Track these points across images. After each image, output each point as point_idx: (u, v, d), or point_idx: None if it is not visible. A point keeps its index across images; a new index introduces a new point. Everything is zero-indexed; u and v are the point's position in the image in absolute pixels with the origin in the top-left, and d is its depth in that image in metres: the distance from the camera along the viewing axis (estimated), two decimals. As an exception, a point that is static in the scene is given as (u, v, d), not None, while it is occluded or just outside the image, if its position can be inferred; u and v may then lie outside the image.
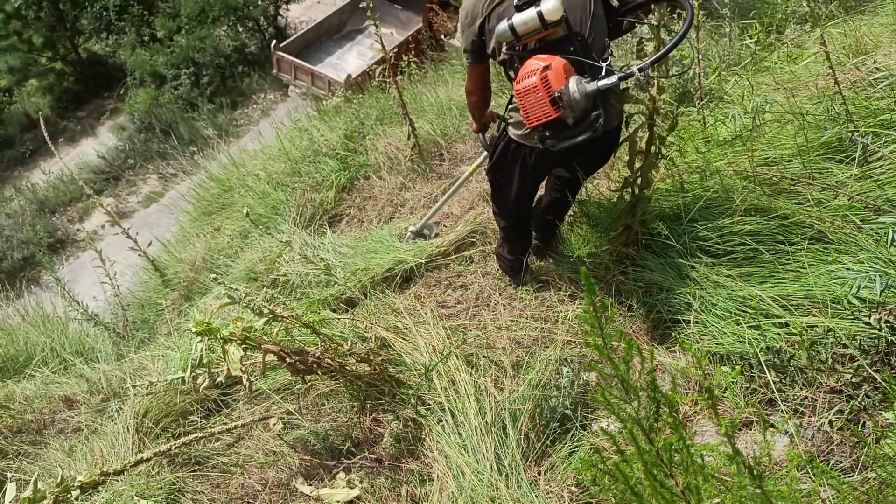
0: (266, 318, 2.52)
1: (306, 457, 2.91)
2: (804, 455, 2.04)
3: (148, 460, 2.78)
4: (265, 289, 3.98)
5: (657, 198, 3.10)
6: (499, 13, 2.47)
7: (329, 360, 2.71)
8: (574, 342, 2.97)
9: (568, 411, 2.61)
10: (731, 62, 4.22)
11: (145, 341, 4.83)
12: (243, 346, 2.46)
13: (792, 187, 2.89)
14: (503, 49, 2.51)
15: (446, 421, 2.69)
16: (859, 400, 2.16)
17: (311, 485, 2.78)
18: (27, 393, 3.92)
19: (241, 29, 15.43)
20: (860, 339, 2.25)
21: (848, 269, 2.39)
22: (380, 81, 6.57)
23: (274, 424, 2.96)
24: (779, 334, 2.43)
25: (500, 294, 3.49)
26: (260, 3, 15.64)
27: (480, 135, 3.28)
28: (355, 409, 3.01)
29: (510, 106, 2.70)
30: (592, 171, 3.07)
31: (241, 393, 3.36)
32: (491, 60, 2.76)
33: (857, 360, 2.22)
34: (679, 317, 2.80)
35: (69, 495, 2.61)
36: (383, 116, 5.92)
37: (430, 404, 2.84)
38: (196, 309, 4.35)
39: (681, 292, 2.82)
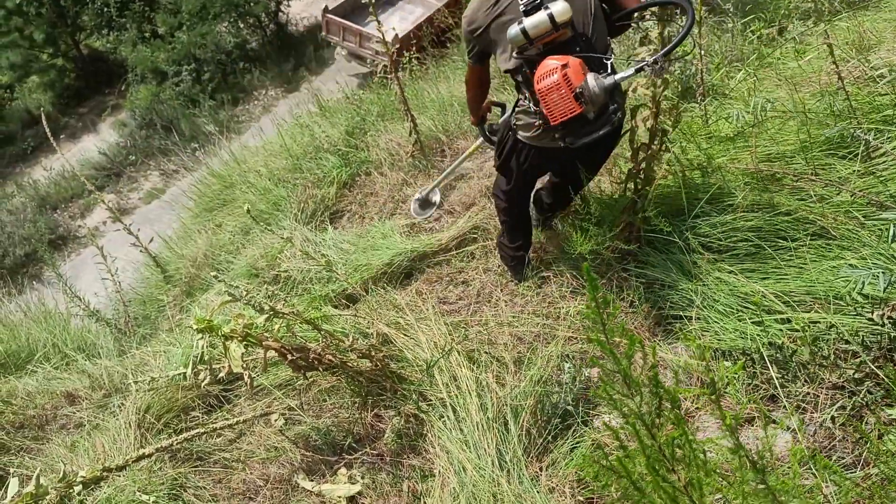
0: (267, 315, 2.52)
1: (308, 452, 2.91)
2: (806, 451, 2.04)
3: (150, 456, 2.79)
4: (266, 285, 3.99)
5: (659, 194, 3.09)
6: (501, 22, 2.53)
7: (330, 357, 2.71)
8: (576, 338, 2.97)
9: (569, 407, 2.61)
10: (734, 58, 4.20)
11: (147, 337, 4.84)
12: (244, 342, 2.46)
13: (794, 183, 2.88)
14: (513, 55, 2.54)
15: (448, 417, 2.68)
16: (861, 396, 2.15)
17: (312, 480, 2.79)
18: (29, 389, 3.93)
19: (242, 25, 15.38)
20: (863, 336, 2.25)
21: (851, 265, 2.38)
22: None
23: (275, 420, 2.96)
24: (781, 330, 2.43)
25: (501, 290, 3.49)
26: (261, -1, 15.62)
27: (480, 127, 3.32)
28: (357, 404, 3.01)
29: (518, 109, 2.73)
30: (597, 168, 3.10)
31: (243, 389, 3.37)
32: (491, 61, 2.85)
33: (860, 356, 2.21)
34: (681, 313, 2.79)
35: (71, 490, 2.61)
36: (384, 112, 5.92)
37: (431, 400, 2.84)
38: (197, 305, 4.36)
39: (683, 288, 2.82)
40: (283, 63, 14.99)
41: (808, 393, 2.26)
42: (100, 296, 5.92)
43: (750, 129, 3.20)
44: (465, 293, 3.60)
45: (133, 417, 3.19)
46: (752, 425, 2.33)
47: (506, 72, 2.66)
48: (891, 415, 2.04)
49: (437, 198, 4.38)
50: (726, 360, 2.49)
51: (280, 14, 15.86)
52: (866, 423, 2.11)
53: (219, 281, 2.54)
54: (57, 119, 15.55)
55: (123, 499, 2.74)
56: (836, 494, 1.79)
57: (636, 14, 2.61)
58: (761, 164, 3.03)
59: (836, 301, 2.41)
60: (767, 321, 2.48)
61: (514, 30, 2.38)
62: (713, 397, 1.05)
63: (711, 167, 3.11)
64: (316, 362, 2.66)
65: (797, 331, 2.35)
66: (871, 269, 2.22)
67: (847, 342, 2.28)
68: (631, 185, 2.97)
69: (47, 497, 2.59)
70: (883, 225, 2.50)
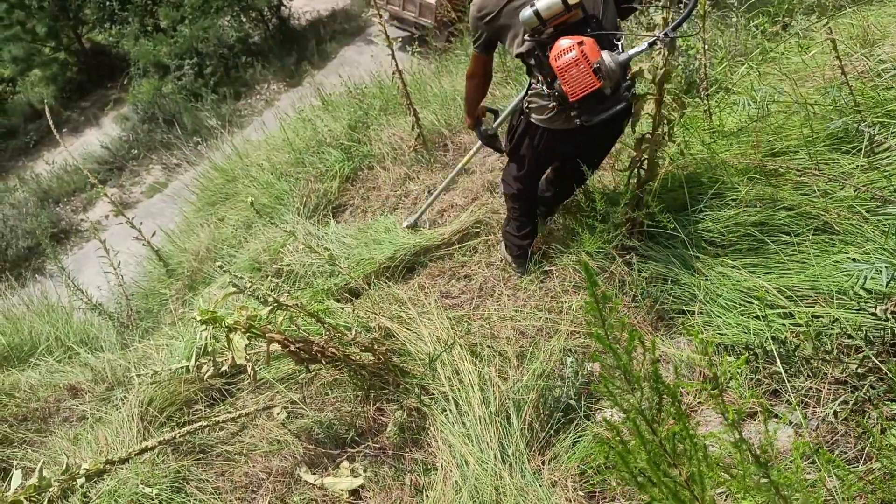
0: (271, 307, 2.52)
1: (310, 446, 2.91)
2: (810, 445, 2.04)
3: (152, 448, 2.79)
4: (269, 278, 4.00)
5: (662, 189, 3.09)
6: (513, 7, 2.57)
7: (333, 350, 2.71)
8: (578, 332, 2.97)
9: (572, 401, 2.61)
10: (737, 53, 4.19)
11: (149, 331, 4.85)
12: (248, 334, 2.46)
13: (798, 178, 2.87)
14: (525, 38, 2.56)
15: (450, 410, 2.69)
16: (864, 391, 2.15)
17: (315, 473, 2.79)
18: (32, 382, 3.94)
19: (244, 19, 15.37)
20: (866, 330, 2.25)
21: (854, 259, 2.38)
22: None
23: (278, 413, 2.97)
24: (784, 325, 2.43)
25: (504, 284, 3.49)
26: (263, -8, 15.59)
27: (476, 129, 3.31)
28: (359, 398, 3.02)
29: (530, 93, 2.77)
30: (605, 153, 3.15)
31: (246, 382, 3.38)
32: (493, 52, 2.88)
33: (863, 350, 2.21)
34: (684, 308, 2.79)
35: (74, 483, 2.62)
36: (387, 107, 5.91)
37: (434, 394, 2.84)
38: (201, 298, 4.37)
39: (685, 283, 2.81)
40: (286, 57, 14.98)
41: (811, 388, 2.26)
42: (102, 289, 5.93)
43: (753, 124, 3.19)
44: (468, 287, 3.60)
45: (136, 410, 3.20)
46: (755, 420, 2.33)
47: (517, 56, 2.68)
48: (893, 409, 2.04)
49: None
50: (729, 355, 2.49)
51: (282, 8, 15.85)
52: (868, 417, 2.11)
53: (224, 272, 2.54)
54: (59, 113, 15.56)
55: (126, 491, 2.75)
56: (838, 489, 1.79)
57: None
58: (764, 158, 3.03)
59: (840, 296, 2.40)
60: (770, 316, 2.48)
61: (527, 12, 2.43)
62: (716, 391, 1.04)
63: (714, 162, 3.10)
64: (319, 355, 2.66)
65: (800, 325, 2.35)
66: (874, 263, 2.22)
67: (850, 337, 2.28)
68: (634, 178, 2.96)
69: (50, 489, 2.60)
70: (887, 220, 2.50)
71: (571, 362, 2.71)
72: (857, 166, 2.78)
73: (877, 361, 2.15)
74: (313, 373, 3.18)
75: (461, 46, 7.50)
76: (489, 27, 2.70)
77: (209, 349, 2.83)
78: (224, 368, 2.70)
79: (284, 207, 5.09)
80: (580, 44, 2.35)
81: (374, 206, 4.85)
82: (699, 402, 2.50)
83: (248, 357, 2.48)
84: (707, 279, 2.76)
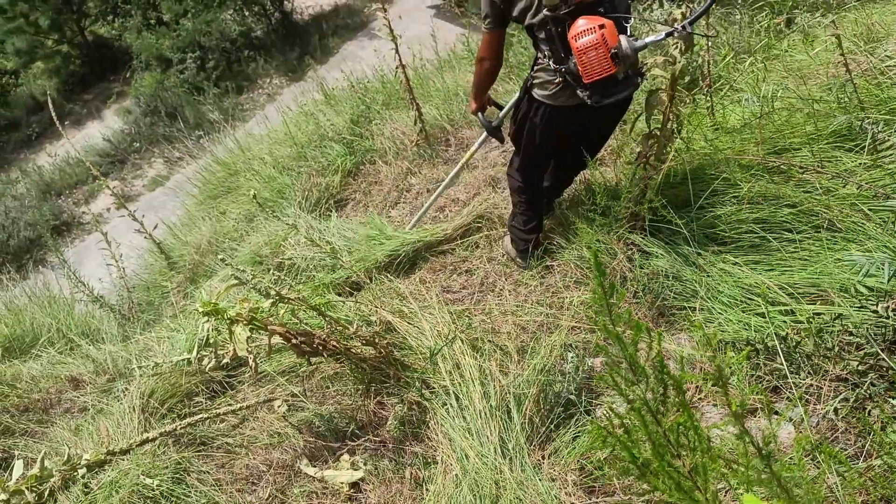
0: (272, 300, 2.53)
1: (311, 438, 2.92)
2: (812, 440, 2.05)
3: (153, 440, 2.80)
4: (271, 271, 4.00)
5: (665, 184, 3.09)
6: None
7: (335, 343, 2.71)
8: (579, 328, 2.97)
9: (572, 396, 2.62)
10: (741, 50, 4.19)
11: (151, 323, 4.86)
12: (249, 326, 2.47)
13: (800, 175, 2.87)
14: (542, 10, 2.53)
15: (451, 404, 2.69)
16: (865, 388, 2.16)
17: (315, 466, 2.80)
18: (34, 373, 3.95)
19: (247, 13, 15.34)
20: (867, 327, 2.25)
21: (855, 256, 2.38)
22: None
23: (279, 406, 2.97)
24: (785, 322, 2.43)
25: (505, 279, 3.49)
26: (266, -13, 15.56)
27: (479, 115, 3.29)
28: (360, 391, 3.02)
29: (536, 67, 2.74)
30: (605, 138, 3.15)
31: (247, 375, 3.38)
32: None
33: (864, 347, 2.21)
34: (685, 304, 2.79)
35: (76, 473, 2.63)
36: (389, 101, 5.91)
37: (434, 388, 2.85)
38: (202, 291, 4.37)
39: (687, 279, 2.81)
40: (288, 52, 14.94)
41: (811, 385, 2.27)
42: (104, 281, 5.95)
43: (756, 121, 3.19)
44: (469, 282, 3.60)
45: (137, 402, 3.20)
46: (755, 416, 2.34)
47: (527, 27, 2.66)
48: (894, 406, 2.04)
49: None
50: (731, 352, 2.49)
51: (285, 3, 15.81)
52: (869, 413, 2.12)
53: (226, 265, 2.54)
54: (62, 105, 15.54)
55: (127, 482, 2.76)
56: (839, 485, 1.79)
57: None
58: (767, 155, 3.02)
59: (841, 293, 2.40)
60: (772, 313, 2.48)
61: None
62: (720, 383, 1.05)
63: (717, 158, 3.10)
64: (320, 348, 2.66)
65: (801, 322, 2.35)
66: (875, 261, 2.22)
67: (851, 334, 2.28)
68: (641, 172, 2.95)
69: (52, 479, 2.61)
70: (889, 216, 2.50)
71: (572, 358, 2.71)
72: (860, 164, 2.78)
73: (884, 356, 2.15)
74: (314, 366, 3.18)
75: (462, 43, 7.48)
76: None
77: (210, 341, 2.84)
78: (225, 361, 2.70)
79: (286, 201, 5.09)
80: (601, 27, 2.34)
81: (376, 200, 4.85)
82: (700, 399, 2.50)
83: (249, 349, 2.48)
84: (709, 275, 2.76)
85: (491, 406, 2.59)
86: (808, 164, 2.87)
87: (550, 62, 2.60)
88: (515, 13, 2.67)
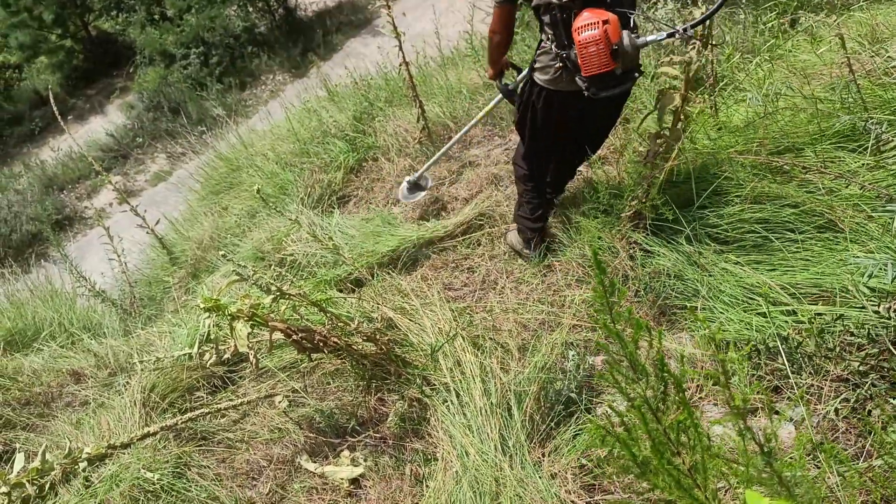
0: (274, 296, 2.53)
1: (311, 434, 2.93)
2: (813, 439, 2.05)
3: (154, 434, 2.81)
4: (273, 267, 4.00)
5: (668, 183, 3.09)
6: None
7: (335, 339, 2.72)
8: (580, 326, 2.97)
9: (573, 394, 2.62)
10: (745, 50, 4.18)
11: (152, 318, 4.86)
12: (251, 322, 2.47)
13: (803, 175, 2.87)
14: None
15: (451, 401, 2.70)
16: (866, 389, 2.15)
17: (315, 462, 2.80)
18: (35, 366, 3.96)
19: (251, 9, 15.33)
20: (869, 328, 2.24)
21: (858, 257, 2.37)
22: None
23: (279, 402, 2.97)
24: (786, 322, 2.43)
25: (506, 277, 3.49)
26: (270, -17, 15.55)
27: (496, 80, 3.31)
28: (361, 388, 3.03)
29: (539, 51, 2.78)
30: (604, 133, 3.19)
31: (248, 370, 3.39)
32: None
33: (866, 348, 2.21)
34: (686, 303, 2.79)
35: (76, 467, 2.64)
36: (392, 98, 5.90)
37: (435, 385, 2.85)
38: (204, 286, 4.38)
39: (689, 279, 2.81)
40: (292, 48, 14.94)
41: (812, 385, 2.27)
42: (106, 276, 5.96)
43: (760, 120, 3.18)
44: (471, 280, 3.60)
45: (138, 396, 3.21)
46: (756, 416, 2.34)
47: (535, 8, 2.67)
48: (895, 406, 2.04)
49: (428, 182, 4.38)
50: (732, 351, 2.49)
51: (289, -1, 15.81)
52: (870, 413, 2.12)
53: (227, 261, 2.54)
54: (65, 100, 15.56)
55: (128, 476, 2.77)
56: (840, 484, 1.79)
57: None
58: (770, 155, 3.02)
59: (843, 294, 2.40)
60: (773, 313, 2.48)
61: None
62: (722, 379, 1.05)
63: (720, 157, 3.10)
64: (321, 344, 2.67)
65: (803, 323, 2.35)
66: (878, 261, 2.21)
67: (853, 334, 2.28)
68: (648, 170, 2.95)
69: (52, 472, 2.62)
70: (892, 217, 2.49)
71: (573, 356, 2.71)
72: (864, 164, 2.78)
73: (891, 351, 2.14)
74: (315, 362, 3.19)
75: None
76: None
77: (212, 337, 2.83)
78: (226, 356, 2.71)
79: (288, 197, 5.09)
80: (605, 22, 2.35)
81: (379, 197, 4.85)
82: (700, 398, 2.50)
83: (250, 345, 2.49)
84: (710, 275, 2.76)
85: (491, 403, 2.59)
86: (812, 165, 2.87)
87: (553, 45, 2.63)
88: None
